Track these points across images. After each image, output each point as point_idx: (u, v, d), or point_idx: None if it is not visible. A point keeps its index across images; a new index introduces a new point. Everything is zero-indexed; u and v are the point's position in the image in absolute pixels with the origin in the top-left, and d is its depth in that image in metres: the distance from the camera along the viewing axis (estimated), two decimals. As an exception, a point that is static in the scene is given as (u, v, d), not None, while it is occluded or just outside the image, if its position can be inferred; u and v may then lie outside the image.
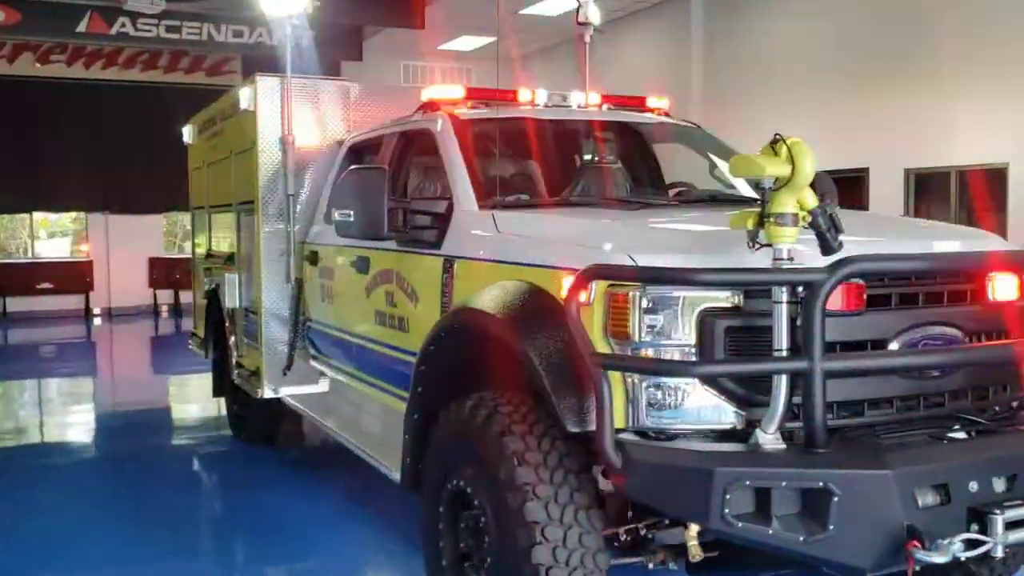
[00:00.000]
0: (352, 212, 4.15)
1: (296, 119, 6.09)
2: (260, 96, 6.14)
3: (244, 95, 6.26)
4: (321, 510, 5.65)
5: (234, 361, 6.91)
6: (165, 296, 18.25)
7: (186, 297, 18.22)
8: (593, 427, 2.90)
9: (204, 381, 11.03)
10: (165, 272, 18.17)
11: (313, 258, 5.89)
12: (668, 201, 4.32)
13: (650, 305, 2.90)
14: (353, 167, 4.21)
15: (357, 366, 5.18)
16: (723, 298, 2.91)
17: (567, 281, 3.11)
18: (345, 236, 4.26)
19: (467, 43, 16.11)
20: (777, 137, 2.76)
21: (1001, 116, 9.53)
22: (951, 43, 10.47)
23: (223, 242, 7.36)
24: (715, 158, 4.99)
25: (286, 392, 6.20)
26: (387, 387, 4.74)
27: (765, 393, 2.86)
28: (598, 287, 2.97)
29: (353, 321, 5.20)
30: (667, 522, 3.36)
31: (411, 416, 3.92)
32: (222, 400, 7.88)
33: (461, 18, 14.86)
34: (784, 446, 2.76)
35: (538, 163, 4.75)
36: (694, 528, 2.87)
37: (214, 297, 7.53)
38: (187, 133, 8.67)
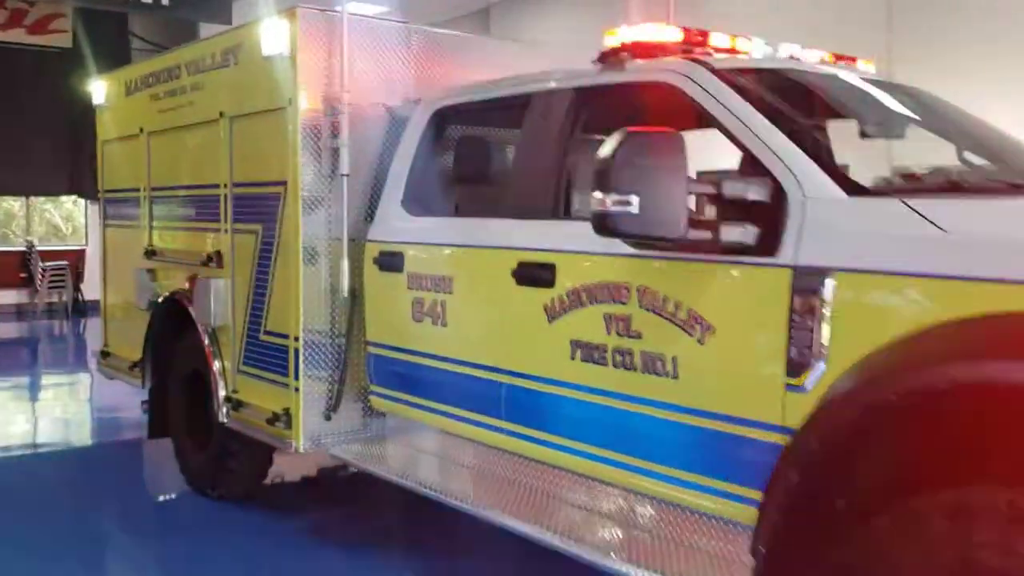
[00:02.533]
0: (635, 200, 2.72)
1: (349, 73, 4.50)
2: (303, 38, 4.48)
3: (272, 35, 4.54)
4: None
5: (222, 395, 5.14)
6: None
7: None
8: None
9: (71, 409, 8.91)
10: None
11: (390, 261, 4.32)
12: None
13: None
14: (633, 130, 2.75)
15: (515, 418, 3.67)
16: None
17: None
18: (611, 235, 2.80)
19: (354, 10, 14.29)
20: None
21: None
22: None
23: (194, 238, 5.50)
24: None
25: (335, 443, 4.57)
26: (608, 455, 3.27)
27: None
28: None
29: (505, 354, 3.69)
30: None
31: (772, 524, 2.55)
32: (84, 439, 6.30)
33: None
34: None
35: (830, 131, 3.45)
36: None
37: (168, 309, 5.69)
38: (100, 92, 6.66)
